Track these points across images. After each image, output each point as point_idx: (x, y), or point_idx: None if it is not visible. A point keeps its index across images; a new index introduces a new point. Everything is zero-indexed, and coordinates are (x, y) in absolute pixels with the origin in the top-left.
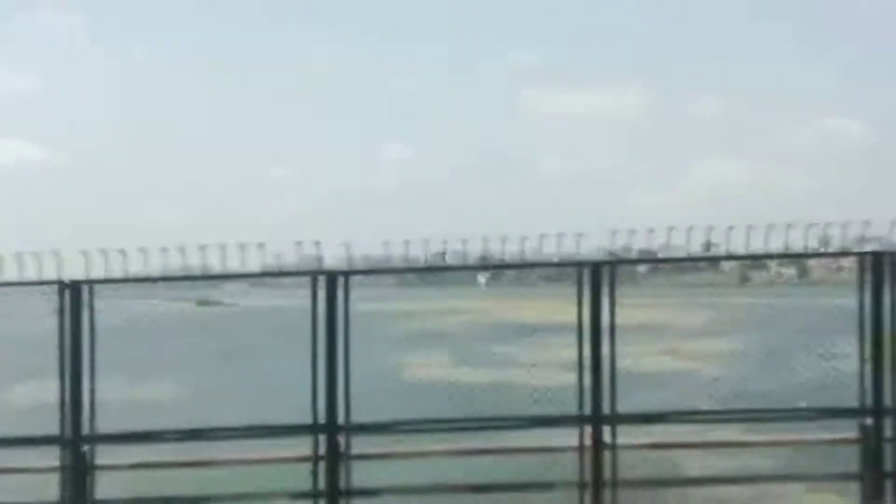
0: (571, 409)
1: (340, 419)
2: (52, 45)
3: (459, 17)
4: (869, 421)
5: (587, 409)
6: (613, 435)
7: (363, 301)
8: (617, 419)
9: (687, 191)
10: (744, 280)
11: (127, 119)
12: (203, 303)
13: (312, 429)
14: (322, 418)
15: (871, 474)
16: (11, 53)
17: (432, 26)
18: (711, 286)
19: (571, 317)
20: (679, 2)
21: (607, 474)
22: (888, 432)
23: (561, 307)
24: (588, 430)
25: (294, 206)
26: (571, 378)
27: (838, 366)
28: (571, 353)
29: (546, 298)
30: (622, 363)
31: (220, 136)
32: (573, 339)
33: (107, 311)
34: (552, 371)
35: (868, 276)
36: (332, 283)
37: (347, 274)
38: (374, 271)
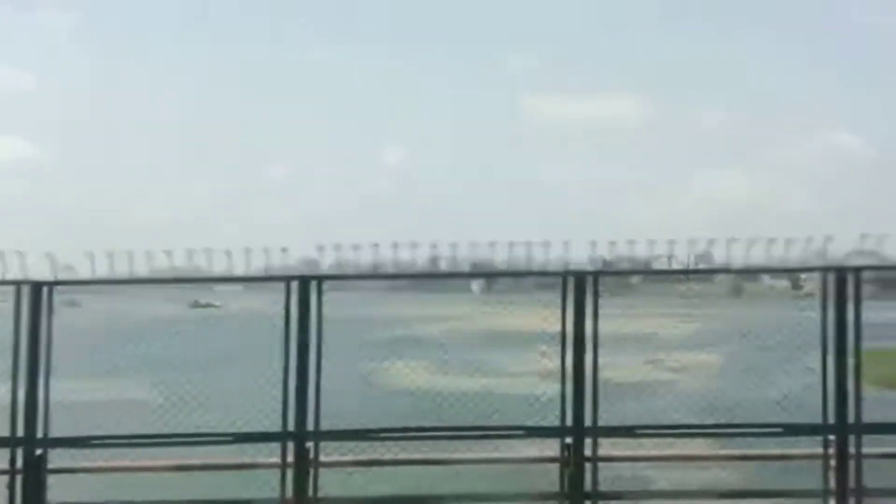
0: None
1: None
2: (49, 43)
3: (460, 20)
4: (569, 440)
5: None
6: (316, 452)
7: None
8: (320, 436)
9: (687, 202)
10: (737, 291)
11: (122, 118)
12: (196, 305)
13: (9, 442)
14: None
15: (573, 496)
16: (11, 52)
17: (432, 29)
18: (702, 297)
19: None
20: (681, 10)
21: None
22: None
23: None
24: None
25: (291, 208)
26: (543, 388)
27: (811, 381)
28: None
29: (537, 306)
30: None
31: (216, 136)
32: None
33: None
34: (533, 379)
35: (571, 296)
36: (37, 293)
37: (52, 284)
38: (84, 282)
